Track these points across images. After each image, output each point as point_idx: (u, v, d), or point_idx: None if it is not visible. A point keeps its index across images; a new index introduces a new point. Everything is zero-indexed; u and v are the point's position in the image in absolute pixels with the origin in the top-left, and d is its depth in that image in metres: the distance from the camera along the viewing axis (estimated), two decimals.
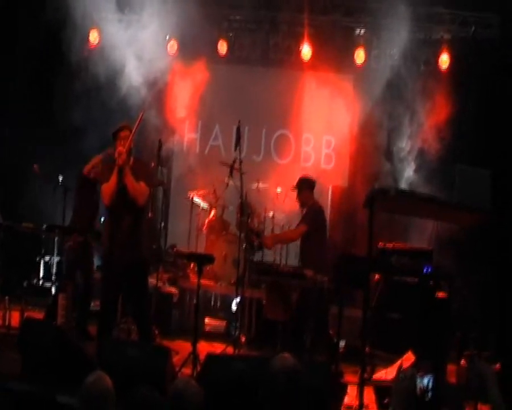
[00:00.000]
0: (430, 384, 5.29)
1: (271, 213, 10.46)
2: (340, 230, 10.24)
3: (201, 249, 10.07)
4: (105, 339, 6.58)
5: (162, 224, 9.87)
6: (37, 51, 11.26)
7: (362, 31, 11.64)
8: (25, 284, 8.78)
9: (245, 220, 9.00)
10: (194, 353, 7.17)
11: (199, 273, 7.63)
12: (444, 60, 10.97)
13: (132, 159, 6.95)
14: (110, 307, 6.93)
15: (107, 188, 6.83)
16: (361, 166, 10.88)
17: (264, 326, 8.85)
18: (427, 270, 7.12)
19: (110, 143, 7.06)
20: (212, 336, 9.14)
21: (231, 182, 9.09)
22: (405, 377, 5.48)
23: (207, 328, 9.63)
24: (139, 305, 7.00)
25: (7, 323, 8.19)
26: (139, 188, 6.79)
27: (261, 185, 10.66)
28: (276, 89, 11.80)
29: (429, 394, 5.30)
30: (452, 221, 7.99)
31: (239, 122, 8.37)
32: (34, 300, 8.90)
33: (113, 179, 6.76)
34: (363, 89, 11.27)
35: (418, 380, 5.27)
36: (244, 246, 8.66)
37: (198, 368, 6.86)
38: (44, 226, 8.95)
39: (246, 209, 8.97)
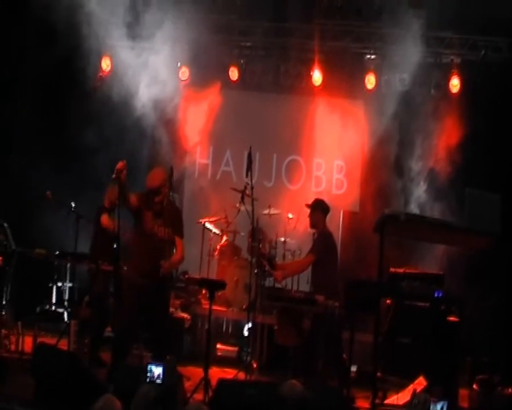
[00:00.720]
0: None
1: (282, 239, 10.52)
2: (352, 255, 10.25)
3: (213, 275, 10.16)
4: (119, 365, 6.65)
5: (174, 251, 9.88)
6: (48, 78, 11.38)
7: (372, 56, 11.74)
8: (38, 310, 8.85)
9: (256, 246, 9.07)
10: (205, 379, 7.20)
11: (211, 299, 7.72)
12: (454, 83, 11.04)
13: (167, 204, 7.27)
14: (127, 331, 7.05)
15: (148, 217, 7.08)
16: (372, 190, 10.92)
17: (275, 351, 8.91)
18: (438, 294, 7.20)
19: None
20: (224, 362, 9.16)
21: (242, 208, 9.14)
22: (419, 403, 5.51)
23: (219, 354, 9.63)
24: (159, 329, 7.15)
25: (20, 348, 8.30)
26: (181, 259, 7.46)
27: (272, 210, 10.73)
28: (287, 115, 11.94)
29: None
30: (462, 245, 8.06)
31: (250, 147, 8.47)
32: (47, 326, 8.99)
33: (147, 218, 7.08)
34: (374, 114, 11.34)
35: (431, 406, 5.30)
36: (255, 272, 8.75)
37: (210, 394, 6.88)
38: (56, 252, 9.12)
39: (257, 234, 9.02)
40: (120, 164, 6.80)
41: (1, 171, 10.45)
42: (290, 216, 10.67)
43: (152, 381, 4.08)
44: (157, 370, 4.09)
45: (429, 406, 5.33)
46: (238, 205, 9.76)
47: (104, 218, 8.56)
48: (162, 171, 7.49)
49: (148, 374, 4.08)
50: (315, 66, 11.67)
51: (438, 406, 5.31)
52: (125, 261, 7.31)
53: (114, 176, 6.81)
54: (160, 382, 4.06)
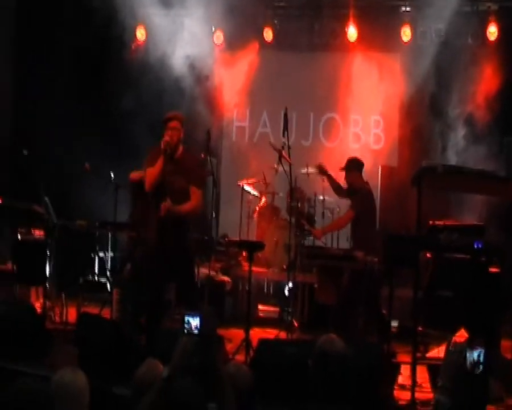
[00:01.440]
0: (481, 358, 5.23)
1: (320, 197, 10.45)
2: (392, 210, 10.17)
3: (253, 237, 10.17)
4: (155, 329, 6.74)
5: (214, 215, 9.94)
6: (83, 49, 11.49)
7: (408, 8, 11.50)
8: (81, 280, 8.98)
9: (295, 205, 9.08)
10: (247, 340, 7.26)
11: (251, 260, 7.80)
12: (492, 31, 10.79)
13: (181, 149, 7.09)
14: (155, 296, 7.11)
15: (151, 173, 7.01)
16: (410, 144, 10.82)
17: (316, 310, 8.91)
18: (477, 245, 7.07)
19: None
20: (266, 323, 9.22)
21: (280, 168, 9.09)
22: (455, 351, 5.45)
23: (260, 315, 9.72)
24: (185, 295, 7.15)
25: (64, 319, 8.49)
26: (192, 208, 7.03)
27: (310, 169, 10.63)
28: (322, 73, 11.75)
29: (480, 367, 5.24)
30: (501, 195, 7.88)
31: (285, 108, 8.46)
32: (90, 296, 9.10)
33: (158, 163, 6.90)
34: (411, 66, 11.09)
35: (468, 354, 5.22)
36: (295, 231, 8.72)
37: (252, 354, 6.92)
38: (97, 223, 9.23)
39: (295, 194, 9.03)
40: (168, 136, 6.89)
41: (41, 143, 10.46)
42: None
43: (190, 333, 4.09)
44: (194, 322, 4.09)
45: (466, 354, 5.24)
46: (275, 166, 9.67)
47: (133, 174, 8.51)
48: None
49: (186, 326, 4.08)
50: (349, 22, 11.50)
51: (475, 354, 5.22)
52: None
53: (162, 147, 6.87)
54: (197, 333, 4.06)
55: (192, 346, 4.18)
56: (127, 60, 11.69)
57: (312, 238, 9.56)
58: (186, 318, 4.16)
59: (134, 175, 8.52)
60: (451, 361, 5.66)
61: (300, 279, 9.03)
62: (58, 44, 11.80)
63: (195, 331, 4.13)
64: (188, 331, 4.14)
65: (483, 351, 5.26)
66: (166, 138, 6.95)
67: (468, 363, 5.28)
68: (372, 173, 10.07)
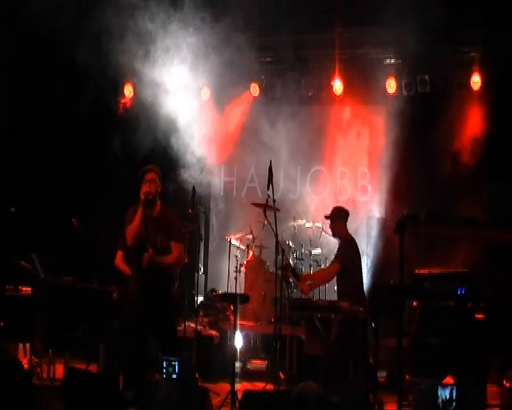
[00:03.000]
0: (454, 395, 5.42)
1: (308, 250, 10.73)
2: (380, 260, 10.41)
3: (241, 291, 10.32)
4: (140, 382, 6.88)
5: (202, 269, 10.16)
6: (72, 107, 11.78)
7: (392, 61, 11.93)
8: (67, 337, 9.07)
9: (280, 258, 9.26)
10: (232, 392, 7.41)
11: (236, 312, 8.00)
12: (475, 81, 11.15)
13: (159, 204, 7.31)
14: (139, 348, 7.19)
15: (131, 228, 7.19)
16: (396, 194, 11.09)
17: (305, 362, 9.06)
18: (461, 291, 7.28)
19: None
20: (254, 376, 9.39)
21: (266, 221, 9.31)
22: (426, 389, 5.63)
23: (250, 369, 9.87)
24: (168, 349, 7.12)
25: (51, 375, 8.63)
26: (174, 260, 7.18)
27: (297, 222, 10.93)
28: (309, 126, 12.20)
29: (453, 405, 5.43)
30: (486, 240, 8.11)
31: (270, 161, 8.70)
32: (78, 352, 9.11)
33: (138, 215, 7.13)
34: (396, 118, 11.41)
35: (440, 391, 5.42)
36: (282, 284, 8.93)
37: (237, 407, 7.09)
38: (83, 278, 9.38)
39: (280, 247, 9.20)
40: (146, 187, 7.09)
41: (29, 198, 10.78)
42: (318, 225, 10.88)
43: (169, 378, 4.27)
44: (172, 366, 4.27)
45: (437, 392, 5.42)
46: (262, 219, 9.91)
47: (118, 257, 8.59)
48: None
49: (164, 371, 4.26)
50: (335, 76, 11.92)
51: (447, 391, 5.40)
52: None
53: (142, 198, 7.07)
54: (177, 377, 4.23)
55: (172, 391, 4.37)
56: (116, 118, 12.07)
57: (299, 291, 9.73)
58: (164, 363, 4.36)
59: (119, 260, 8.63)
60: (422, 399, 5.83)
61: (288, 332, 9.21)
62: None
63: (175, 376, 4.33)
64: (166, 376, 4.34)
65: (455, 388, 5.44)
66: (145, 188, 7.15)
67: (440, 400, 5.45)
68: (360, 224, 10.32)
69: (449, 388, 5.50)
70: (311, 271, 10.63)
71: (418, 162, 11.19)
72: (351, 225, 8.88)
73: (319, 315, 8.26)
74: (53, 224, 11.15)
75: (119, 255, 8.62)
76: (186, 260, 7.82)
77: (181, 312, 9.67)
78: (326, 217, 8.78)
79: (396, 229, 6.94)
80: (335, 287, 8.97)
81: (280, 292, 8.60)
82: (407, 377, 7.67)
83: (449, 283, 7.54)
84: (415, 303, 8.45)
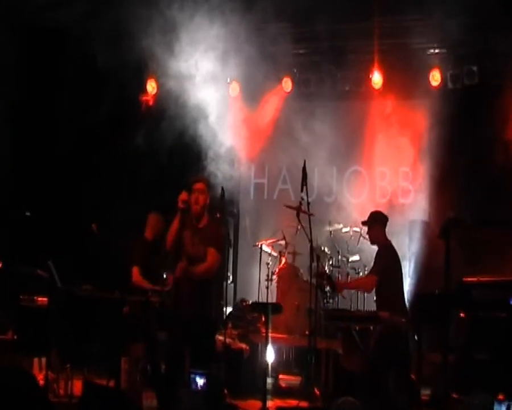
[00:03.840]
0: None
1: (345, 256, 10.67)
2: (422, 268, 10.28)
3: (273, 300, 10.33)
4: (169, 396, 6.85)
5: (231, 278, 10.14)
6: (91, 106, 11.82)
7: (436, 50, 11.81)
8: (87, 349, 9.07)
9: (315, 265, 9.19)
10: None
11: (267, 324, 7.94)
12: None
13: (206, 218, 7.36)
14: (174, 362, 7.15)
15: (168, 234, 7.26)
16: (442, 196, 10.92)
17: (342, 377, 8.96)
18: None
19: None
20: (287, 393, 9.33)
21: (300, 226, 9.24)
22: (480, 404, 5.51)
23: (282, 385, 9.82)
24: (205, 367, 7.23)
25: (69, 392, 8.63)
26: (208, 268, 7.16)
27: (334, 226, 10.86)
28: (346, 123, 12.16)
29: None
30: None
31: (304, 161, 8.62)
32: (97, 366, 9.07)
33: (175, 222, 7.16)
34: (441, 113, 11.29)
35: (496, 406, 5.29)
36: (317, 293, 8.85)
37: None
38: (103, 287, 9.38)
39: (315, 253, 9.14)
40: (184, 195, 7.09)
41: (45, 202, 10.82)
42: (355, 230, 10.83)
43: (197, 391, 4.25)
44: (200, 380, 4.26)
45: (492, 407, 5.30)
46: (295, 223, 9.85)
47: (136, 274, 8.68)
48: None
49: (192, 384, 4.25)
50: (374, 68, 11.82)
51: (504, 407, 5.28)
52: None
53: (180, 206, 7.08)
54: (204, 391, 4.21)
55: (198, 405, 4.33)
56: (137, 117, 12.12)
57: (335, 301, 9.68)
58: (192, 377, 4.35)
59: (137, 276, 8.73)
60: None
61: (323, 345, 9.13)
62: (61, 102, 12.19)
63: (202, 389, 4.30)
64: (194, 389, 4.31)
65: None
66: (183, 196, 7.15)
67: None
68: (401, 228, 10.21)
69: (506, 403, 5.36)
70: (348, 280, 10.55)
71: (465, 161, 11.06)
72: (391, 230, 8.75)
73: (357, 327, 8.19)
74: (71, 229, 11.23)
75: (136, 271, 8.70)
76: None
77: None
78: (364, 223, 8.69)
79: (440, 234, 6.88)
80: (375, 297, 8.89)
81: (315, 302, 8.50)
82: (453, 395, 7.53)
83: (500, 292, 7.41)
84: (462, 314, 8.31)
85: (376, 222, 8.59)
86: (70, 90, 12.13)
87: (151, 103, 12.56)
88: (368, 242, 9.11)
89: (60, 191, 11.50)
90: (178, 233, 7.17)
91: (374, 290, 8.52)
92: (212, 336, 7.63)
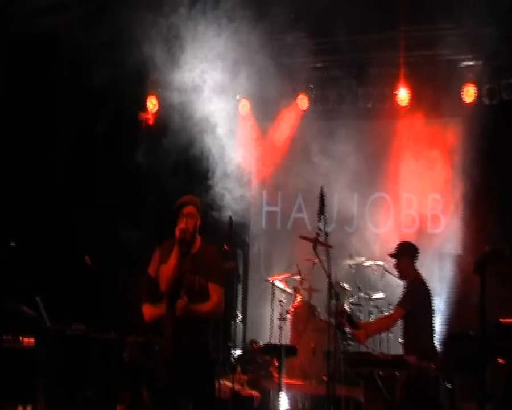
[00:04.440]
0: None
1: (367, 294, 10.67)
2: (454, 306, 10.22)
3: (287, 342, 10.37)
4: None
5: (240, 317, 10.11)
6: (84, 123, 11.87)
7: (470, 62, 11.77)
8: (78, 396, 9.03)
9: (334, 303, 9.14)
10: None
11: (280, 368, 7.86)
12: None
13: (199, 241, 7.20)
14: None
15: (165, 271, 7.09)
16: (477, 227, 10.88)
17: None
18: None
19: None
20: None
21: (317, 259, 9.18)
22: None
23: None
24: None
25: None
26: (214, 308, 7.03)
27: (355, 260, 10.83)
28: (368, 145, 12.17)
29: None
30: None
31: (321, 187, 8.58)
32: None
33: (173, 256, 7.00)
34: (476, 132, 11.24)
35: None
36: (336, 334, 8.79)
37: None
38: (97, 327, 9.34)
39: (334, 290, 9.09)
40: (183, 224, 6.97)
41: (32, 231, 10.84)
42: (379, 263, 10.83)
43: None
44: None
45: None
46: (312, 257, 9.81)
47: (147, 310, 8.41)
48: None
49: None
50: (400, 83, 11.81)
51: None
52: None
53: (178, 236, 6.94)
54: None
55: None
56: (136, 135, 12.20)
57: (356, 343, 9.60)
58: None
59: (148, 310, 8.44)
60: None
61: (343, 393, 9.03)
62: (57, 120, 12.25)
63: None
64: None
65: None
66: (182, 224, 7.07)
67: None
68: (431, 262, 10.15)
69: None
70: (370, 319, 10.47)
71: (502, 185, 11.02)
72: (419, 263, 8.69)
73: (381, 372, 8.10)
74: (62, 261, 11.18)
75: (147, 308, 8.49)
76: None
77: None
78: (392, 255, 8.64)
79: (475, 268, 6.83)
80: (400, 339, 8.84)
81: (334, 345, 8.44)
82: None
83: None
84: (500, 360, 8.25)
85: (406, 255, 8.54)
86: (63, 106, 12.15)
87: (151, 122, 12.56)
88: (394, 278, 9.09)
89: (50, 217, 11.44)
90: (177, 269, 7.05)
91: (401, 329, 8.47)
92: (213, 382, 7.51)
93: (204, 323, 7.14)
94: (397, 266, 8.62)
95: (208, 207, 10.60)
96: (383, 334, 10.35)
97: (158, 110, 12.60)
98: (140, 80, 11.95)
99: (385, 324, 8.98)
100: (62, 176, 11.85)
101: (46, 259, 11.13)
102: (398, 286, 9.48)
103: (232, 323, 10.04)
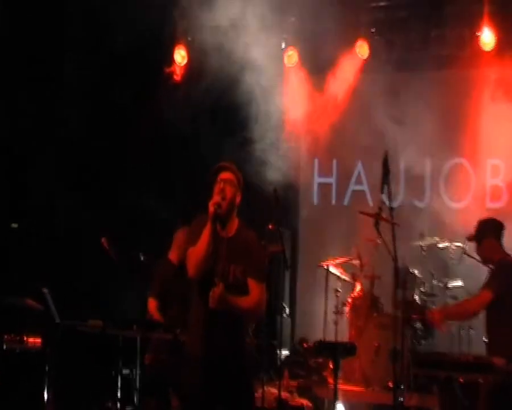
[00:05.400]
0: None
1: (443, 281, 10.55)
2: None
3: (344, 340, 10.23)
4: None
5: (287, 310, 10.07)
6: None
7: None
8: (92, 407, 9.10)
9: (402, 293, 9.07)
10: None
11: (336, 372, 7.85)
12: None
13: (236, 222, 7.09)
14: None
15: (194, 253, 6.95)
16: None
17: None
18: None
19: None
20: None
21: (380, 240, 9.05)
22: None
23: None
24: None
25: None
26: (253, 305, 6.94)
27: (427, 241, 10.75)
28: (443, 99, 12.04)
29: None
30: None
31: (385, 152, 8.43)
32: None
33: (205, 234, 6.85)
34: None
35: None
36: (404, 331, 8.72)
37: None
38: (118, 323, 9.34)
39: (402, 277, 9.04)
40: (218, 196, 6.84)
41: (37, 210, 10.89)
42: (457, 245, 10.70)
43: None
44: None
45: None
46: (374, 237, 9.69)
47: (152, 306, 8.70)
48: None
49: None
50: (484, 24, 11.59)
51: None
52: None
53: (211, 211, 6.81)
54: None
55: None
56: (161, 96, 12.07)
57: (430, 341, 9.55)
58: None
59: (151, 308, 8.72)
60: None
61: (413, 402, 9.03)
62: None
63: None
64: None
65: None
66: (217, 198, 7.00)
67: None
68: None
69: None
70: None
71: None
72: (508, 245, 8.57)
73: (460, 378, 8.02)
74: (72, 245, 11.19)
75: (152, 303, 8.73)
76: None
77: (257, 372, 9.59)
78: (470, 238, 8.51)
79: None
80: (484, 337, 8.73)
81: (401, 343, 8.36)
82: None
83: None
84: None
85: (489, 234, 8.38)
86: (73, 62, 12.20)
87: (179, 77, 12.56)
88: (476, 262, 8.95)
89: (60, 190, 11.46)
90: (209, 251, 6.89)
91: (486, 323, 8.36)
92: (252, 389, 7.42)
93: (241, 319, 7.09)
94: (480, 250, 8.47)
95: (248, 178, 10.53)
96: (462, 331, 10.20)
97: (187, 63, 12.61)
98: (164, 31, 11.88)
99: (467, 309, 8.74)
100: (78, 139, 11.84)
101: (55, 243, 11.20)
102: (481, 271, 9.39)
103: (278, 317, 10.05)
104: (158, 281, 8.81)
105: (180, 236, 8.91)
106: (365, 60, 12.39)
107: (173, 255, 8.98)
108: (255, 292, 6.93)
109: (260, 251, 7.27)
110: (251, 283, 6.94)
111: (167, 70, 12.50)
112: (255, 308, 6.99)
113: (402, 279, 9.09)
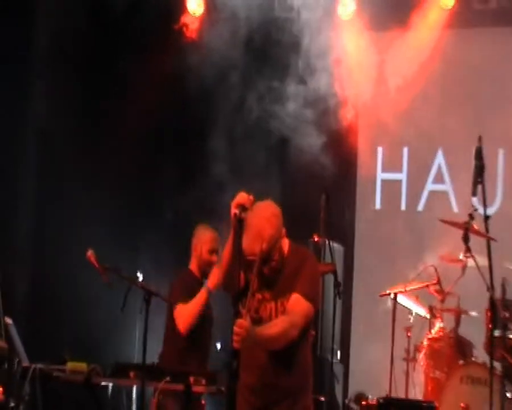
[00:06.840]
0: None
1: None
2: None
3: (418, 395, 10.25)
4: None
5: (338, 352, 9.87)
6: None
7: None
8: None
9: (501, 334, 9.01)
10: None
11: None
12: None
13: (287, 244, 7.04)
14: None
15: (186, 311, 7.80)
16: None
17: None
18: None
19: None
20: None
21: (471, 261, 8.94)
22: None
23: None
24: None
25: None
26: (279, 330, 6.78)
27: None
28: None
29: None
30: None
31: (479, 138, 8.20)
32: None
33: (227, 247, 6.90)
34: None
35: None
36: (503, 389, 8.60)
37: None
38: (112, 366, 9.13)
39: (500, 311, 8.93)
40: (244, 197, 6.82)
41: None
42: None
43: None
44: None
45: None
46: (461, 256, 9.68)
47: (179, 311, 8.73)
48: (269, 207, 7.12)
49: None
50: None
51: None
52: None
53: (236, 212, 6.79)
54: None
55: None
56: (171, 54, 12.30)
57: None
58: None
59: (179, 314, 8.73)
60: None
61: None
62: None
63: None
64: None
65: None
66: (242, 198, 6.81)
67: None
68: None
69: None
70: None
71: None
72: None
73: None
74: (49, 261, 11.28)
75: (181, 307, 8.80)
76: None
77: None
78: None
79: None
80: None
81: (501, 405, 8.18)
82: None
83: None
84: None
85: None
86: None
87: (194, 34, 12.57)
88: None
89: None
90: (233, 264, 6.87)
91: None
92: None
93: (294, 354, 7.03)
94: None
95: (288, 176, 10.42)
96: None
97: (204, 13, 12.70)
98: None
99: None
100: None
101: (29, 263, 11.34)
102: None
103: (327, 364, 9.91)
104: (181, 290, 8.94)
105: (203, 236, 9.05)
106: (451, 10, 12.24)
107: (193, 265, 9.09)
108: (293, 308, 6.88)
109: (313, 264, 7.22)
110: (293, 299, 6.89)
111: (181, 22, 12.59)
112: (285, 331, 6.83)
113: (501, 315, 9.02)
